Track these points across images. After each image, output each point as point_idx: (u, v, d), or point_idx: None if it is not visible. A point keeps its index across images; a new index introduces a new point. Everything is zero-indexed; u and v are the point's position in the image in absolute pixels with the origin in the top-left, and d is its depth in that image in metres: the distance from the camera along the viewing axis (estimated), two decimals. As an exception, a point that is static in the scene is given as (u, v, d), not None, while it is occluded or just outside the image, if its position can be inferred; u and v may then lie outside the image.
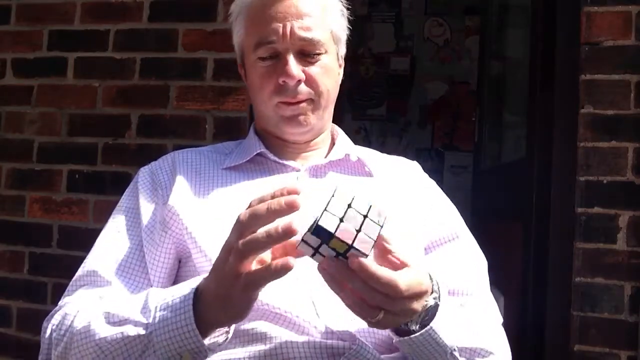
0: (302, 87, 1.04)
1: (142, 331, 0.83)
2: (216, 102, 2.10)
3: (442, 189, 1.19)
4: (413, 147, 4.33)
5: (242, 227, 0.76)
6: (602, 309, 1.83)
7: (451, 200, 1.18)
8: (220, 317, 0.81)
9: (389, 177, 1.13)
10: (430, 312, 0.84)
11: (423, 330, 0.84)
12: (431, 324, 0.84)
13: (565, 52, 1.98)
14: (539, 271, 2.01)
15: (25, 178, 2.23)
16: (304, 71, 1.04)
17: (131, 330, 0.84)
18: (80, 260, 1.06)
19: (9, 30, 2.28)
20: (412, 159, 1.22)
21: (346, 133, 1.21)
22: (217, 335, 0.85)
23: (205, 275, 0.84)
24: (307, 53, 1.05)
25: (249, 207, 0.77)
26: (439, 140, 4.37)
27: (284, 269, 0.74)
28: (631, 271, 1.82)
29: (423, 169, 1.22)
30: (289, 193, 0.75)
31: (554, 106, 1.99)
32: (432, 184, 1.18)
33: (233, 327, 0.88)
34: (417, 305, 0.81)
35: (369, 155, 1.17)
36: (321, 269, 0.77)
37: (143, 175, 1.10)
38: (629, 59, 1.87)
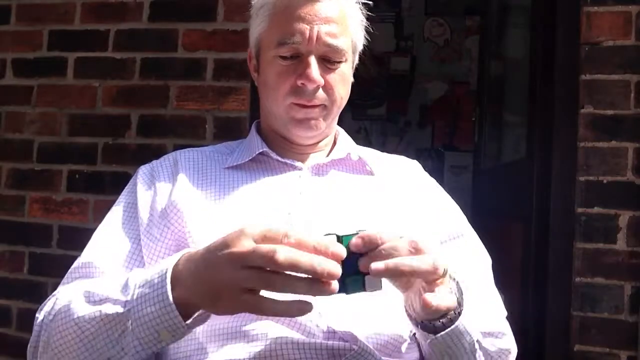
0: (320, 93, 1.04)
1: (120, 309, 0.82)
2: (216, 102, 2.10)
3: (442, 188, 1.19)
4: (413, 147, 4.33)
5: (277, 265, 0.71)
6: (602, 309, 1.83)
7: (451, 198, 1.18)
8: (202, 303, 0.79)
9: (389, 176, 1.13)
10: (458, 290, 0.86)
11: (453, 326, 0.85)
12: (460, 319, 0.85)
13: (565, 52, 1.98)
14: (539, 271, 2.01)
15: (25, 178, 2.23)
16: (323, 76, 1.03)
17: (110, 309, 0.83)
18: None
19: (9, 30, 2.28)
20: (412, 159, 1.22)
21: (346, 133, 1.21)
22: (199, 314, 0.82)
23: (188, 252, 0.82)
24: (329, 59, 1.04)
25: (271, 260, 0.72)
26: (439, 140, 4.37)
27: (300, 312, 0.74)
28: (631, 271, 1.82)
29: (423, 168, 1.22)
30: (333, 256, 0.73)
31: (554, 106, 1.99)
32: (432, 182, 1.19)
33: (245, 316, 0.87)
34: (445, 266, 0.80)
35: (370, 155, 1.17)
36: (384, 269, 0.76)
37: (143, 172, 1.10)
38: (629, 59, 1.87)
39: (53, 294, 0.99)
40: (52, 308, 0.93)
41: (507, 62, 2.98)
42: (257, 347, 0.90)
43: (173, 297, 0.78)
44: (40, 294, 2.15)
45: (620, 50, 1.88)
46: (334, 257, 0.73)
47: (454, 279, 0.87)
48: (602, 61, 1.89)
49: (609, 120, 1.87)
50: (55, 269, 2.13)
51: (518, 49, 2.69)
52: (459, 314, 0.86)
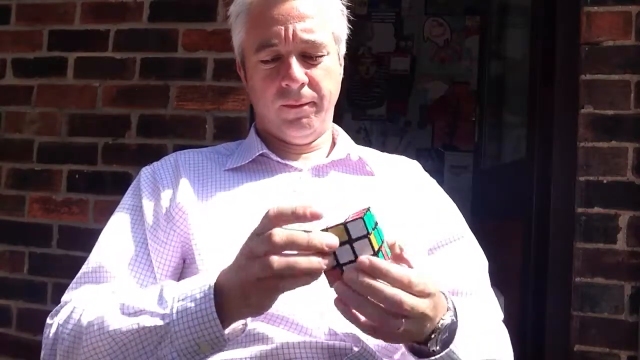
0: (306, 90, 1.04)
1: (159, 322, 0.83)
2: (216, 102, 2.10)
3: (442, 189, 1.19)
4: (413, 147, 4.33)
5: (275, 246, 0.74)
6: (602, 309, 1.83)
7: (451, 200, 1.18)
8: (241, 309, 0.80)
9: (390, 176, 1.13)
10: (450, 330, 0.84)
11: (443, 353, 0.84)
12: (451, 347, 0.84)
13: (565, 52, 1.98)
14: (539, 271, 2.01)
15: (25, 178, 2.23)
16: (306, 74, 1.03)
17: (147, 321, 0.83)
18: (80, 260, 1.05)
19: (9, 30, 2.28)
20: (412, 159, 1.22)
21: (346, 133, 1.21)
22: (235, 327, 0.84)
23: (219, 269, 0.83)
24: (310, 55, 1.04)
25: (277, 217, 0.75)
26: (439, 140, 4.37)
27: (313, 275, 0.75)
28: (631, 271, 1.82)
29: (423, 168, 1.21)
30: (312, 216, 0.74)
31: (554, 106, 1.99)
32: (433, 183, 1.18)
33: (250, 318, 0.87)
34: (431, 311, 0.80)
35: (370, 155, 1.17)
36: (337, 301, 0.78)
37: (145, 175, 1.10)
38: (629, 59, 1.87)
39: (64, 300, 0.99)
40: (70, 317, 0.93)
41: (507, 62, 2.99)
42: (257, 347, 0.90)
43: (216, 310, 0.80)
44: (41, 294, 2.15)
45: (620, 50, 1.88)
46: (330, 248, 0.74)
47: (454, 311, 0.85)
48: (602, 61, 1.88)
49: (609, 120, 1.87)
50: (55, 269, 2.14)
51: (518, 49, 2.69)
52: (447, 342, 0.85)
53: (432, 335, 0.83)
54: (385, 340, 0.84)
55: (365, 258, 0.74)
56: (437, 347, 0.83)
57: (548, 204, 1.98)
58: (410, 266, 0.81)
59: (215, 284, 0.81)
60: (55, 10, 2.24)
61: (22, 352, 2.14)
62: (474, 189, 3.15)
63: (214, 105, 2.10)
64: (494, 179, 2.77)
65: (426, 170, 1.21)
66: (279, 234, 0.73)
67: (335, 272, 0.76)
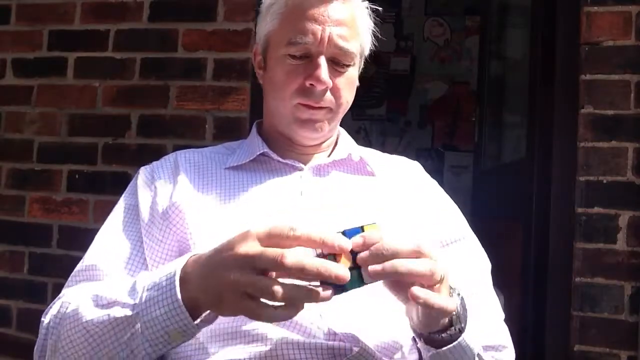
0: (327, 95, 1.03)
1: (128, 312, 0.82)
2: (216, 102, 2.10)
3: (442, 189, 1.19)
4: (413, 147, 4.33)
5: (282, 267, 0.71)
6: (602, 309, 1.83)
7: (452, 200, 1.18)
8: (209, 305, 0.79)
9: (390, 176, 1.13)
10: (463, 307, 0.86)
11: (456, 342, 0.85)
12: (463, 335, 0.85)
13: (565, 52, 1.98)
14: (539, 271, 2.01)
15: (25, 178, 2.23)
16: (331, 79, 1.03)
17: (118, 312, 0.83)
18: (80, 260, 1.06)
19: (9, 30, 2.28)
20: (412, 159, 1.22)
21: (346, 133, 1.21)
22: (208, 314, 0.82)
23: (194, 255, 0.82)
24: (339, 62, 1.04)
25: (291, 236, 0.74)
26: (439, 140, 4.37)
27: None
28: (631, 271, 1.82)
29: (423, 169, 1.21)
30: (340, 250, 0.73)
31: (554, 106, 1.99)
32: (434, 184, 1.19)
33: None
34: (445, 279, 0.80)
35: (371, 155, 1.17)
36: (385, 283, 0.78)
37: (143, 173, 1.10)
38: (629, 59, 1.87)
39: (58, 296, 0.99)
40: (59, 312, 0.93)
41: (507, 62, 2.99)
42: (257, 347, 0.90)
43: (182, 298, 0.78)
44: (40, 294, 2.15)
45: (620, 50, 1.88)
46: (340, 250, 0.73)
47: (458, 294, 0.86)
48: (602, 61, 1.88)
49: (609, 120, 1.87)
50: (55, 269, 2.14)
51: (518, 49, 2.69)
52: (461, 330, 0.86)
53: (454, 315, 0.84)
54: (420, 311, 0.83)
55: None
56: (462, 324, 0.85)
57: (548, 203, 1.98)
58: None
59: (184, 270, 0.80)
60: (55, 10, 2.24)
61: (22, 352, 2.14)
62: (474, 189, 3.16)
63: (214, 105, 2.10)
64: (494, 179, 2.77)
65: (426, 170, 1.21)
66: (291, 257, 0.71)
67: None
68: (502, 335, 1.04)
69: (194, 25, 2.13)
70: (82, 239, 2.07)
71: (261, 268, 0.72)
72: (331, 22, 1.01)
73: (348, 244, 0.74)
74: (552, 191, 1.98)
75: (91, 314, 0.85)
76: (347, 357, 0.90)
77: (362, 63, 1.13)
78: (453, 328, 0.85)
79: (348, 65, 1.05)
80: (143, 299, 0.81)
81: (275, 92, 1.06)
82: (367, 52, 1.12)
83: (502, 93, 3.00)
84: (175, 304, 0.78)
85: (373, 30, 1.12)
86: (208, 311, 0.81)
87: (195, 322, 0.80)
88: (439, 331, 0.85)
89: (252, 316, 0.75)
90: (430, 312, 0.80)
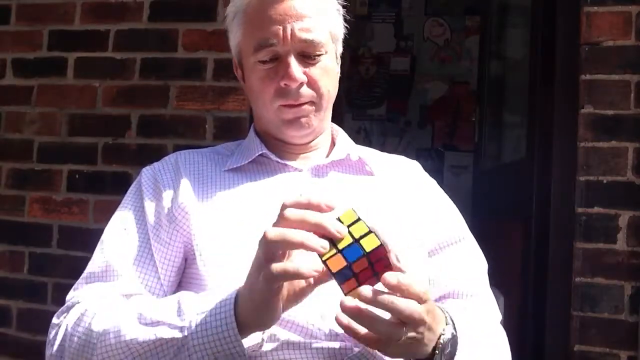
0: (305, 90, 1.03)
1: (177, 334, 0.83)
2: (216, 102, 2.10)
3: (442, 189, 1.19)
4: (413, 147, 4.33)
5: (267, 244, 0.77)
6: (602, 309, 1.83)
7: (451, 200, 1.18)
8: (256, 318, 0.81)
9: (389, 176, 1.13)
10: (452, 344, 0.85)
11: None
12: None
13: (565, 52, 1.98)
14: (539, 271, 2.01)
15: (25, 178, 2.23)
16: (305, 73, 1.03)
17: (165, 333, 0.84)
18: (80, 260, 1.06)
19: (9, 30, 2.28)
20: (412, 159, 1.22)
21: (346, 133, 1.21)
22: (253, 341, 0.85)
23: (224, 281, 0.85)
24: (308, 55, 1.03)
25: (283, 217, 0.78)
26: (439, 140, 4.37)
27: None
28: (631, 271, 1.82)
29: (423, 169, 1.21)
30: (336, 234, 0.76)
31: (554, 106, 1.99)
32: (433, 183, 1.18)
33: (267, 333, 0.88)
34: (426, 315, 0.80)
35: (370, 155, 1.16)
36: (339, 317, 0.78)
37: (146, 175, 1.10)
38: (629, 59, 1.87)
39: (72, 301, 0.99)
40: (81, 320, 0.92)
41: (507, 62, 2.99)
42: (258, 347, 0.90)
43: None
44: (40, 294, 2.15)
45: (620, 50, 1.88)
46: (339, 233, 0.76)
47: (452, 332, 0.86)
48: (602, 61, 1.88)
49: (609, 120, 1.87)
50: (56, 269, 2.14)
51: (518, 49, 2.69)
52: (452, 356, 0.85)
53: (436, 351, 0.83)
54: (385, 353, 0.84)
55: (392, 275, 0.75)
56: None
57: (548, 204, 1.98)
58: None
59: (237, 296, 0.82)
60: (55, 10, 2.24)
61: (22, 352, 2.14)
62: (474, 189, 3.16)
63: (214, 105, 2.10)
64: (494, 179, 2.77)
65: (426, 170, 1.21)
66: (271, 234, 0.76)
67: (351, 283, 0.76)
68: (499, 338, 1.04)
69: (194, 25, 2.13)
70: (82, 239, 2.08)
71: (266, 257, 0.77)
72: (291, 18, 1.01)
73: (344, 227, 0.76)
74: (552, 191, 1.98)
75: (135, 331, 0.86)
76: (349, 357, 0.90)
77: (340, 47, 1.12)
78: (440, 353, 0.83)
79: (319, 55, 1.04)
80: (194, 322, 0.82)
81: (257, 100, 1.07)
82: (341, 35, 1.11)
83: (502, 93, 3.00)
84: (232, 331, 0.81)
85: (341, 11, 1.10)
86: (257, 334, 0.86)
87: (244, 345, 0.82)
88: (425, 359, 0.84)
89: (273, 279, 0.76)
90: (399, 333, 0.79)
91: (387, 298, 0.76)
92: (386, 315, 0.78)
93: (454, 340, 0.85)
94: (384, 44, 4.41)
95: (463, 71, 4.29)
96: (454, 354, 0.86)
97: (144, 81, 2.16)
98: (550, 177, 1.99)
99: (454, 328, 0.86)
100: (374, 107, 4.46)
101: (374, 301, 0.75)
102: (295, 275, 0.76)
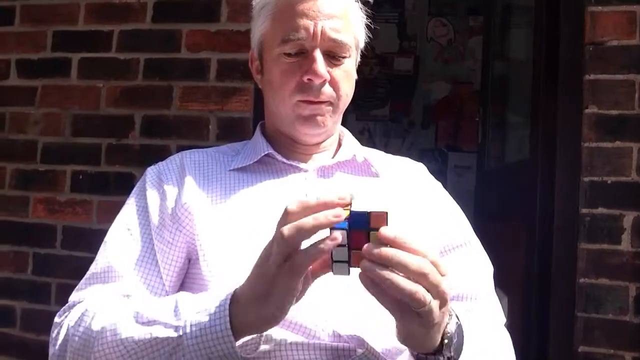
0: (326, 88, 1.03)
1: (172, 333, 0.83)
2: (220, 102, 2.10)
3: (445, 189, 1.19)
4: (416, 148, 4.33)
5: (286, 242, 0.75)
6: (607, 310, 1.82)
7: (455, 200, 1.18)
8: (258, 316, 0.80)
9: (395, 177, 1.13)
10: (459, 335, 0.85)
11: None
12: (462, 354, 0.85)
13: (569, 52, 1.98)
14: (543, 272, 2.00)
15: (29, 178, 2.24)
16: (328, 72, 1.03)
17: (161, 332, 0.84)
18: (84, 261, 1.05)
19: (13, 31, 2.29)
20: (416, 160, 1.21)
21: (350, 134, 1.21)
22: (249, 343, 0.85)
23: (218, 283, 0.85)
24: (334, 55, 1.03)
25: (288, 214, 0.77)
26: (443, 140, 4.37)
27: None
28: (635, 272, 1.81)
29: (427, 169, 1.21)
30: (340, 201, 0.76)
31: (557, 106, 1.99)
32: (438, 186, 1.18)
33: (264, 336, 0.88)
34: (443, 301, 0.78)
35: (375, 156, 1.16)
36: (362, 276, 0.75)
37: (151, 175, 1.09)
38: (633, 59, 1.86)
39: (74, 300, 0.99)
40: (82, 320, 0.93)
41: (511, 62, 2.98)
42: (260, 347, 0.90)
43: (231, 326, 0.80)
44: (44, 294, 2.15)
45: (624, 50, 1.87)
46: (341, 201, 0.76)
47: (457, 322, 0.85)
48: (606, 61, 1.88)
49: (613, 120, 1.87)
50: (59, 270, 2.14)
51: (522, 49, 2.68)
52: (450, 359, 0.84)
53: (445, 341, 0.82)
54: (410, 330, 0.80)
55: (389, 229, 0.73)
56: (452, 353, 0.83)
57: (552, 204, 1.97)
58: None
59: (232, 296, 0.82)
60: (59, 11, 2.25)
61: (26, 353, 2.14)
62: (478, 189, 3.15)
63: (217, 105, 2.10)
64: (498, 180, 2.77)
65: (429, 171, 1.20)
66: (287, 230, 0.75)
67: (359, 236, 0.74)
68: (504, 341, 1.03)
69: (197, 26, 2.13)
70: (86, 240, 2.08)
71: (281, 248, 0.76)
72: (323, 16, 1.01)
73: (347, 195, 0.76)
74: (556, 191, 1.97)
75: (131, 330, 0.86)
76: (352, 358, 0.90)
77: (359, 56, 1.12)
78: (448, 344, 0.82)
79: (344, 57, 1.04)
80: (189, 322, 0.82)
81: (275, 93, 1.06)
82: (362, 45, 1.12)
83: (506, 93, 2.99)
84: (225, 332, 0.80)
85: (367, 24, 1.11)
86: (251, 337, 0.85)
87: (238, 343, 0.82)
88: (429, 354, 0.83)
89: (296, 272, 0.76)
90: (404, 311, 0.77)
91: (389, 251, 0.73)
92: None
93: (459, 330, 0.85)
94: (387, 44, 4.41)
95: (466, 71, 4.29)
96: (462, 345, 0.85)
97: (147, 82, 2.16)
98: (554, 177, 1.98)
99: (458, 318, 0.86)
100: (377, 108, 4.46)
101: (378, 257, 0.73)
102: (318, 227, 0.74)
